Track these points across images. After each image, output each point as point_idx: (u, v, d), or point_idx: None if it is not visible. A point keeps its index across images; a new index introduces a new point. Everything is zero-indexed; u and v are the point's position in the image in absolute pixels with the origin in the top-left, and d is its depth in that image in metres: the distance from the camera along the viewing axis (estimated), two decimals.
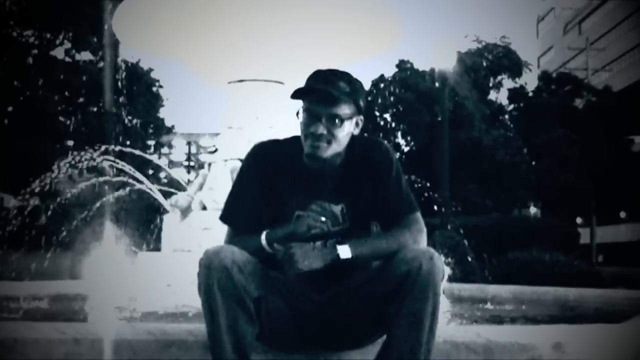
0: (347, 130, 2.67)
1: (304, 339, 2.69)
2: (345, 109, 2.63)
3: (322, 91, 2.60)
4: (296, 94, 2.65)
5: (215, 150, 5.79)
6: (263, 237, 2.60)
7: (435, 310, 2.45)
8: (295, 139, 2.74)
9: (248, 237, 2.64)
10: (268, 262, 2.60)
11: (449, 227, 16.35)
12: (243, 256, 2.50)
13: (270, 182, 2.72)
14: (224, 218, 2.78)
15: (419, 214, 2.75)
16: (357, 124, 2.71)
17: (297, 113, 2.69)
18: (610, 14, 53.52)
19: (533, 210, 39.38)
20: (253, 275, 2.48)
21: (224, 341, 2.40)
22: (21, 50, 25.55)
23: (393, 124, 36.91)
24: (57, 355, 2.68)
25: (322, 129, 2.61)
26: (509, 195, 33.17)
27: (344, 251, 2.54)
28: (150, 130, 34.31)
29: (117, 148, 7.36)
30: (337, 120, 2.62)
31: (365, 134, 2.84)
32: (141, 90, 31.64)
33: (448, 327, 3.35)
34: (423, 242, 2.67)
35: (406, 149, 36.07)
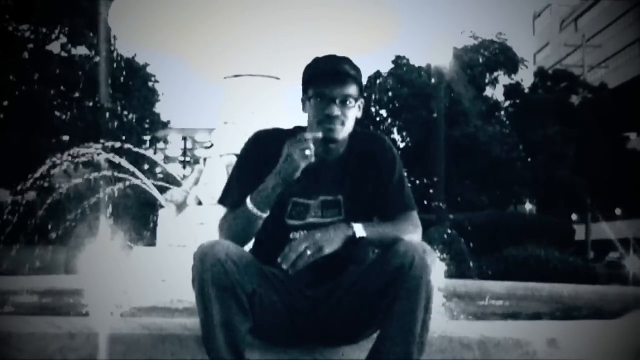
0: (355, 112, 2.70)
1: (298, 335, 2.68)
2: (354, 90, 2.67)
3: (336, 71, 2.64)
4: (310, 79, 2.67)
5: (211, 146, 5.78)
6: (248, 200, 2.59)
7: (429, 304, 2.43)
8: (297, 129, 2.75)
9: (236, 213, 2.64)
10: (264, 258, 2.60)
11: (447, 222, 16.39)
12: (238, 250, 2.49)
13: (269, 168, 2.68)
14: (221, 201, 2.78)
15: (416, 213, 2.78)
16: (359, 107, 2.74)
17: (305, 100, 2.70)
18: (607, 11, 53.58)
19: (529, 206, 39.44)
20: (247, 270, 2.47)
21: (217, 334, 2.38)
22: (17, 44, 25.48)
23: (389, 120, 37.00)
24: (52, 349, 2.67)
25: (337, 111, 2.63)
26: (505, 192, 33.28)
27: (359, 230, 2.55)
28: (146, 126, 34.22)
29: (113, 143, 7.34)
30: (349, 101, 2.65)
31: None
32: (137, 85, 31.61)
33: (443, 322, 3.34)
34: (419, 239, 2.68)
35: (402, 145, 36.13)
